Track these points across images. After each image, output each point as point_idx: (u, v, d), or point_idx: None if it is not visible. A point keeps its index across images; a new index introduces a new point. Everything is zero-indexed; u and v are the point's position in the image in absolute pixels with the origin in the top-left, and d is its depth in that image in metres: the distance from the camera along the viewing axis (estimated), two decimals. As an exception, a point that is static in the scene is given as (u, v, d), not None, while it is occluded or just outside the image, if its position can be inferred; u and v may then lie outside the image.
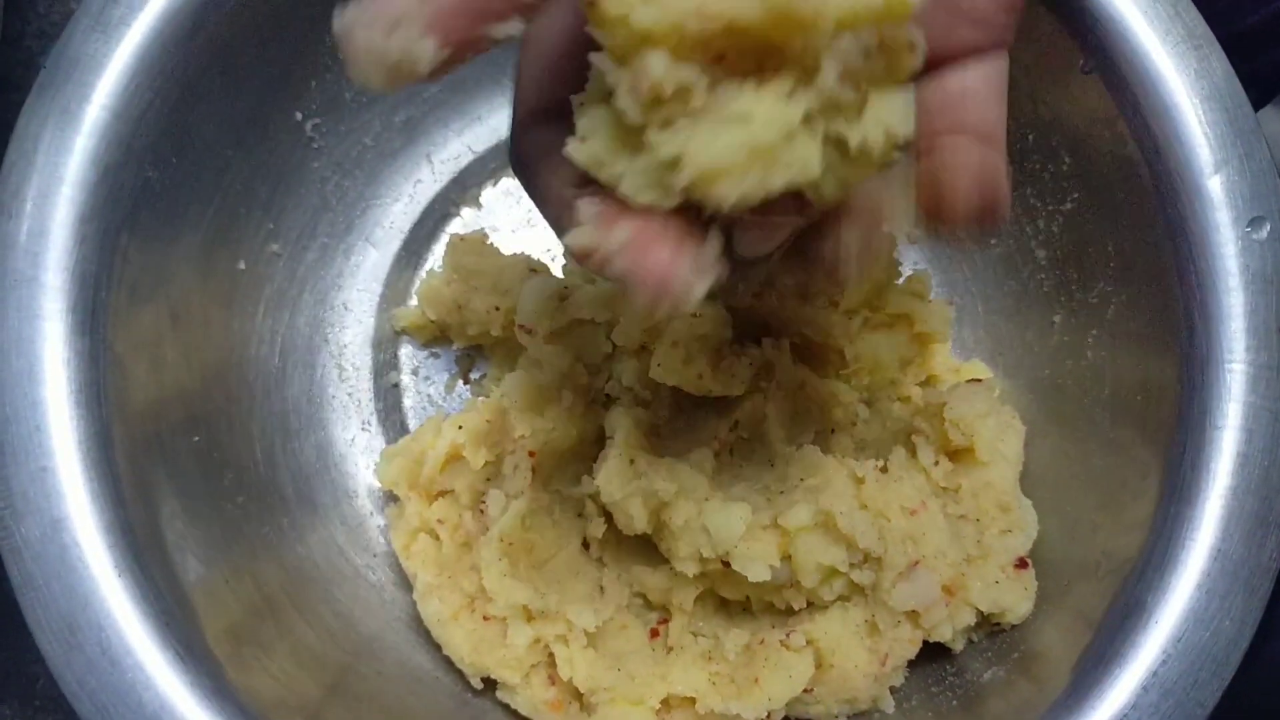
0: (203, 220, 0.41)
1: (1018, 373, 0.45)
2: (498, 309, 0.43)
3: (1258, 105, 0.44)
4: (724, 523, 0.37)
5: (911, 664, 0.40)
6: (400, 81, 0.21)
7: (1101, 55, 0.39)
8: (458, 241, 0.43)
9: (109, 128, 0.37)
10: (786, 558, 0.38)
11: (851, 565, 0.39)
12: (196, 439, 0.39)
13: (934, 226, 0.26)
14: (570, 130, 0.23)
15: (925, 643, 0.40)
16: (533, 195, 0.26)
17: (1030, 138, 0.43)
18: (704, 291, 0.22)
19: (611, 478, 0.39)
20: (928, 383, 0.44)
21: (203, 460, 0.39)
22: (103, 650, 0.33)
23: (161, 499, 0.37)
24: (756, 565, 0.38)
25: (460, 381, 0.47)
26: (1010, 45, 0.28)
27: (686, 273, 0.22)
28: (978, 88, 0.26)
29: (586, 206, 0.23)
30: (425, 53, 0.21)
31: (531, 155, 0.25)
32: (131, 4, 0.37)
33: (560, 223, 0.24)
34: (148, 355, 0.38)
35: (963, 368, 0.43)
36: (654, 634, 0.41)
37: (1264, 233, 0.38)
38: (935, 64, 0.26)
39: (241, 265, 0.43)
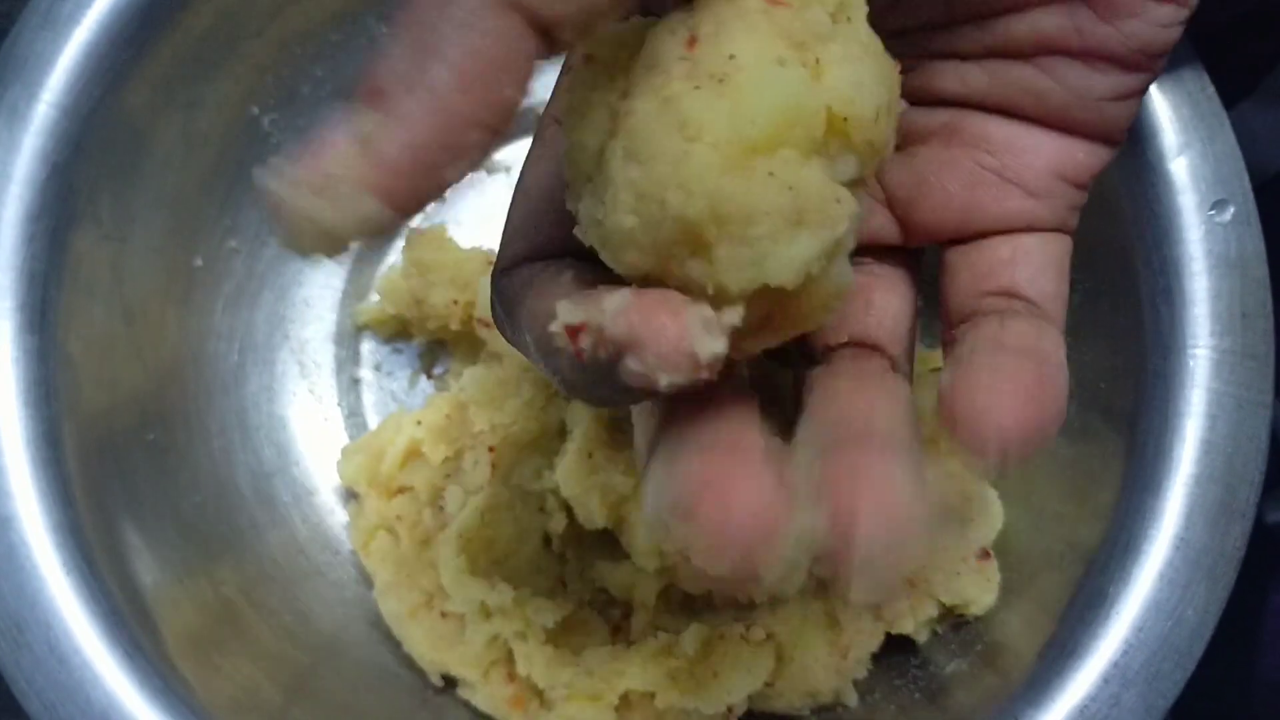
0: (157, 217, 0.41)
1: (985, 361, 0.44)
2: (457, 303, 0.42)
3: (1233, 100, 0.43)
4: (682, 516, 0.37)
5: (876, 656, 0.40)
6: (339, 248, 0.18)
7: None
8: (415, 236, 0.43)
9: (57, 125, 0.36)
10: (746, 551, 0.38)
11: (813, 558, 0.38)
12: (151, 437, 0.39)
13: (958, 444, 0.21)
14: (556, 267, 0.22)
15: (889, 635, 0.39)
16: (514, 329, 0.23)
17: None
18: (721, 351, 0.18)
19: (570, 472, 0.38)
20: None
21: (157, 459, 0.39)
22: (50, 649, 0.33)
23: (114, 498, 0.37)
24: (716, 559, 0.37)
25: (423, 376, 0.46)
26: (1072, 231, 0.25)
27: (698, 328, 0.18)
28: (1031, 253, 0.23)
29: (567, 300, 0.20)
30: (364, 216, 0.17)
31: (515, 289, 0.23)
32: (80, 0, 0.37)
33: (545, 331, 0.20)
34: (100, 353, 0.38)
35: (926, 356, 0.43)
36: (616, 630, 0.41)
37: (1227, 216, 0.37)
38: (979, 235, 0.23)
39: (199, 262, 0.43)
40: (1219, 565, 0.35)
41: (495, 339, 0.41)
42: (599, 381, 0.19)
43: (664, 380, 0.18)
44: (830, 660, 0.38)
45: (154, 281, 0.41)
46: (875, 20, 0.22)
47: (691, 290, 0.19)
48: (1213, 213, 0.37)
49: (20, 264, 0.36)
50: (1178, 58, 0.38)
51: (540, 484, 0.40)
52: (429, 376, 0.46)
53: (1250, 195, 0.37)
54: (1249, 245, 0.37)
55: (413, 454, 0.41)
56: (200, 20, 0.39)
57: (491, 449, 0.41)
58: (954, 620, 0.40)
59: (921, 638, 0.40)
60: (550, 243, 0.23)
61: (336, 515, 0.44)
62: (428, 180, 0.17)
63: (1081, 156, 0.25)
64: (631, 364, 0.18)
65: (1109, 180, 0.39)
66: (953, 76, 0.24)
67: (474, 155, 0.18)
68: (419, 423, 0.41)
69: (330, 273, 0.47)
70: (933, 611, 0.39)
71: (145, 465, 0.39)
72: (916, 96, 0.23)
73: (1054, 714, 0.34)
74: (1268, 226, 0.37)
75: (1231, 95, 0.43)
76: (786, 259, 0.18)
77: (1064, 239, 0.25)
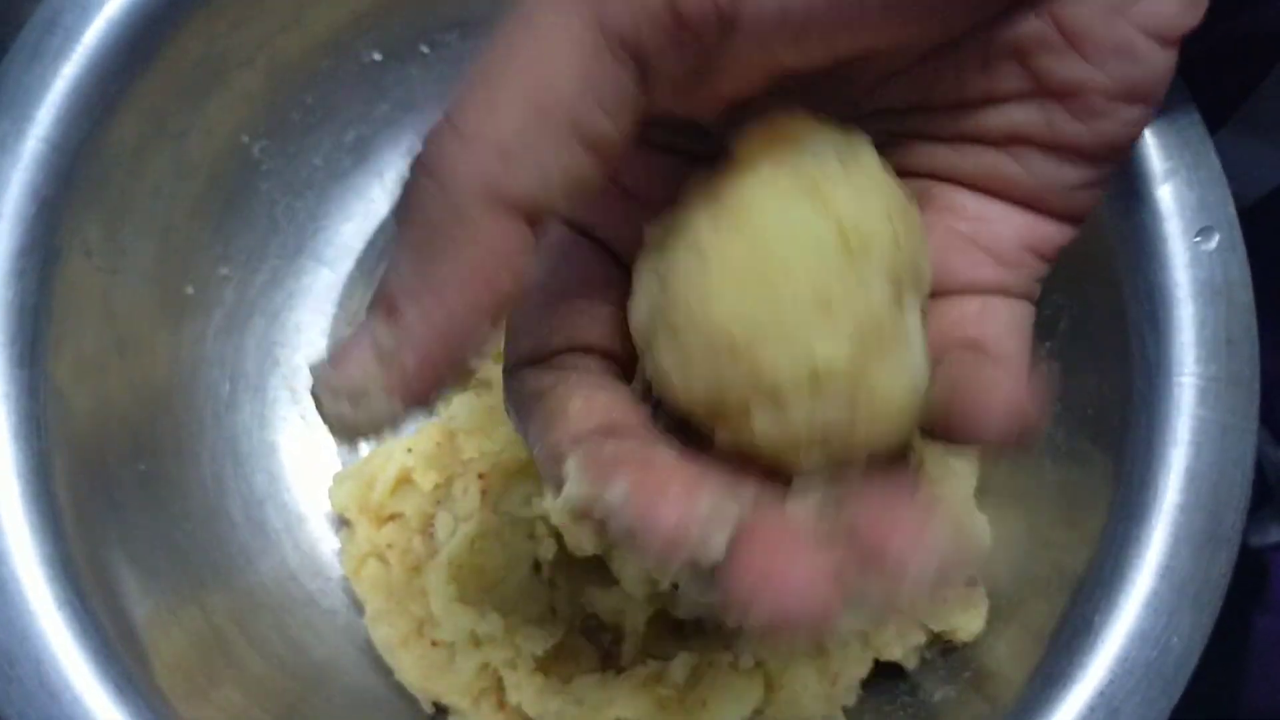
0: (148, 246, 0.41)
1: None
2: (446, 330, 0.42)
3: (1211, 130, 0.43)
4: (670, 544, 0.37)
5: (865, 683, 0.40)
6: (376, 434, 0.20)
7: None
8: (406, 263, 0.43)
9: (46, 160, 0.37)
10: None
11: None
12: (142, 467, 0.39)
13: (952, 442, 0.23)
14: (557, 375, 0.23)
15: (878, 662, 0.39)
16: (525, 436, 0.24)
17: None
18: (726, 539, 0.19)
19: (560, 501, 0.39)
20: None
21: (148, 488, 0.39)
22: (41, 683, 0.33)
23: (105, 529, 0.37)
24: (705, 587, 0.37)
25: (415, 402, 0.47)
26: (1035, 299, 0.25)
27: (704, 517, 0.19)
28: (998, 312, 0.24)
29: (576, 458, 0.21)
30: (394, 414, 0.19)
31: (522, 401, 0.24)
32: (68, 35, 0.37)
33: (551, 475, 0.22)
34: (91, 384, 0.38)
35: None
36: (606, 656, 0.41)
37: (1213, 243, 0.37)
38: (952, 293, 0.24)
39: (190, 290, 0.43)
40: (1204, 593, 0.35)
41: (485, 367, 0.41)
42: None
43: (665, 576, 0.19)
44: (819, 688, 0.38)
45: (145, 311, 0.41)
46: (855, 100, 0.23)
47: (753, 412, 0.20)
48: (1198, 239, 0.37)
49: (10, 298, 0.36)
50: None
51: (530, 511, 0.40)
52: (420, 402, 0.46)
53: (1235, 222, 0.37)
54: (1234, 272, 0.37)
55: (403, 481, 0.42)
56: (189, 50, 0.40)
57: (482, 476, 0.41)
58: (942, 646, 0.40)
59: (910, 664, 0.40)
60: (552, 339, 0.24)
61: (328, 542, 0.44)
62: (442, 376, 0.19)
63: (1049, 232, 0.25)
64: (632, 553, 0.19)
65: (1096, 206, 0.39)
66: (926, 155, 0.25)
67: (481, 344, 0.19)
68: (409, 450, 0.41)
69: (321, 299, 0.47)
70: (921, 638, 0.39)
71: (136, 495, 0.39)
72: (893, 168, 0.23)
73: (1041, 742, 0.34)
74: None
75: (1206, 126, 0.43)
76: (830, 341, 0.20)
77: (1029, 307, 0.25)
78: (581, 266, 0.24)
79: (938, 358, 0.23)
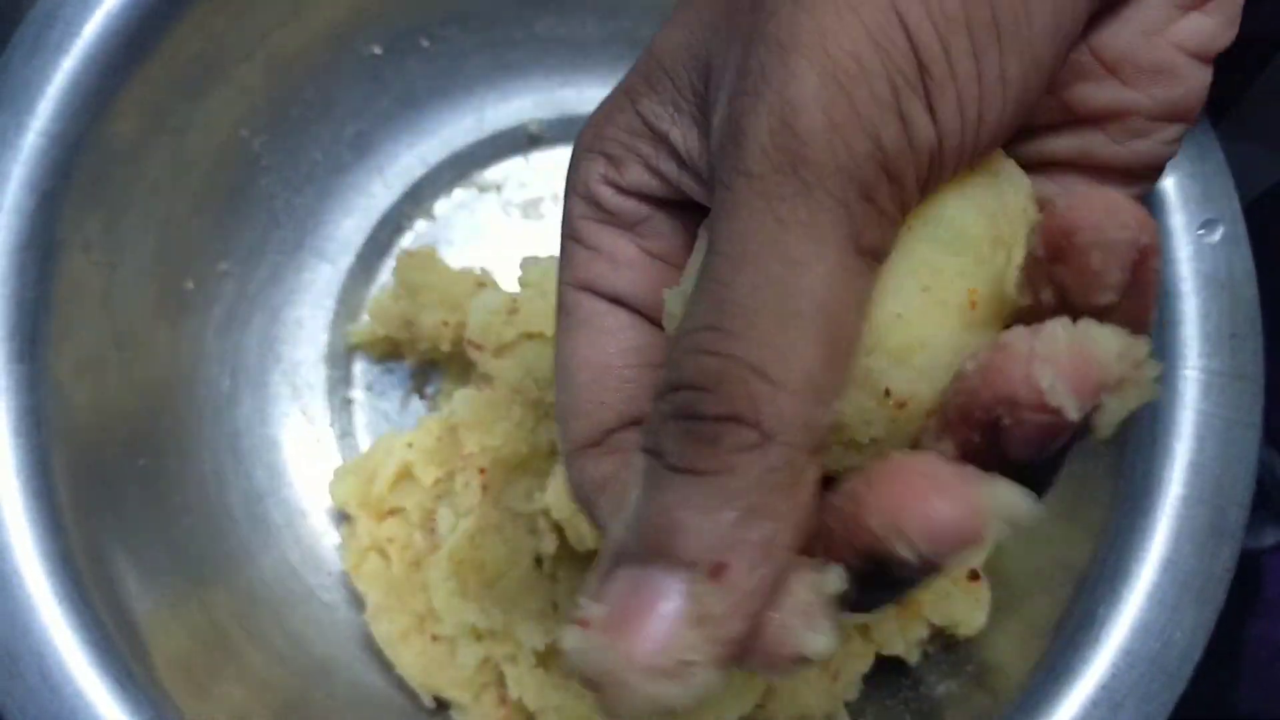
0: (147, 241, 0.41)
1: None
2: (447, 324, 0.42)
3: None
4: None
5: (867, 678, 0.40)
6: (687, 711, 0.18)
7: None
8: (405, 257, 0.43)
9: (46, 154, 0.37)
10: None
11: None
12: (142, 462, 0.39)
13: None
14: (618, 461, 0.22)
15: (880, 656, 0.39)
16: (597, 524, 0.24)
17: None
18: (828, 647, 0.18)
19: (560, 494, 0.38)
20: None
21: (149, 484, 0.39)
22: (43, 678, 0.33)
23: (105, 525, 0.37)
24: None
25: (416, 396, 0.46)
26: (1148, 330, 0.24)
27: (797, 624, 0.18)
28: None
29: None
30: (712, 685, 0.17)
31: (587, 491, 0.23)
32: (67, 28, 0.37)
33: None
34: (91, 379, 0.38)
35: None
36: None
37: (1216, 236, 0.37)
38: None
39: (190, 285, 0.43)
40: (1208, 587, 0.35)
41: (485, 360, 0.41)
42: None
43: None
44: (821, 682, 0.38)
45: (145, 306, 0.41)
46: None
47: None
48: (1202, 232, 0.37)
49: (10, 293, 0.36)
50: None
51: (531, 505, 0.40)
52: (421, 397, 0.46)
53: (1240, 215, 0.37)
54: (1238, 265, 0.37)
55: (404, 476, 0.41)
56: (188, 45, 0.39)
57: (482, 470, 0.41)
58: (945, 641, 0.40)
59: (912, 658, 0.40)
60: (604, 417, 0.23)
61: (328, 537, 0.44)
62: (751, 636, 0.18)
63: None
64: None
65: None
66: None
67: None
68: (410, 444, 0.41)
69: (322, 294, 0.47)
70: (923, 632, 0.39)
71: (136, 491, 0.39)
72: None
73: (1044, 736, 0.34)
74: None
75: None
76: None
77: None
78: (619, 336, 0.24)
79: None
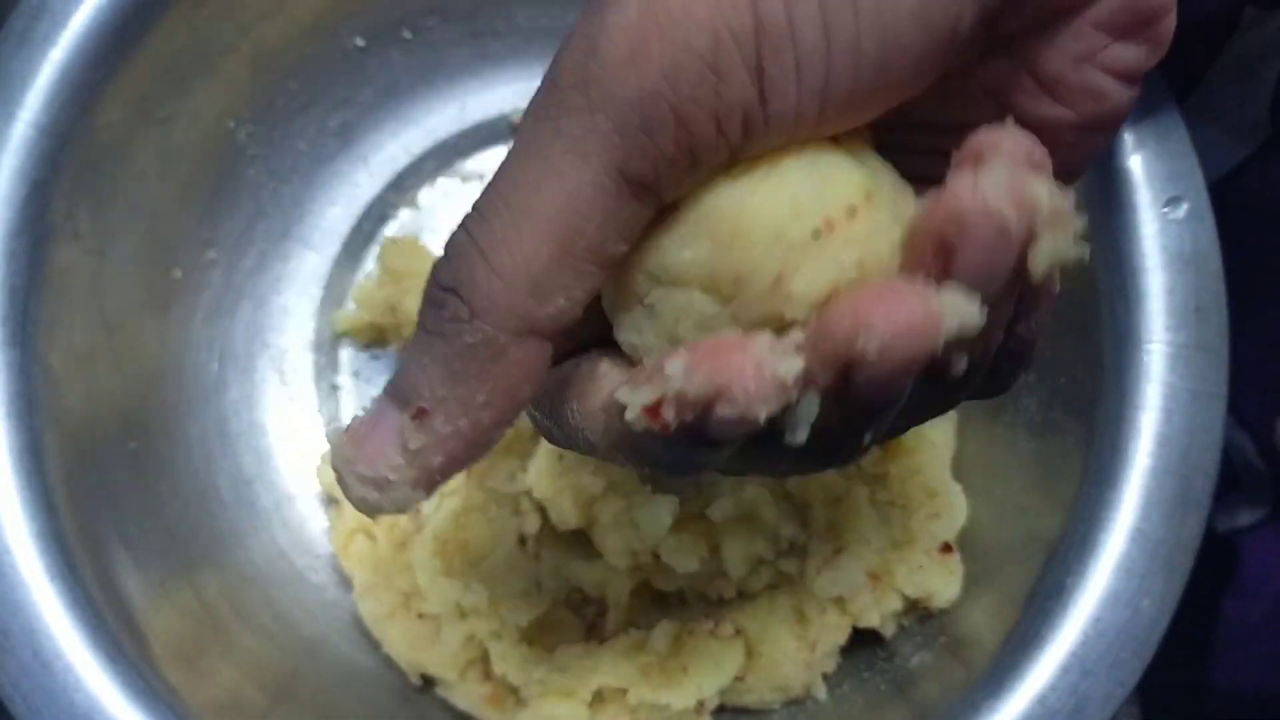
0: (136, 230, 0.41)
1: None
2: (430, 310, 0.43)
3: None
4: (651, 516, 0.38)
5: (844, 650, 0.40)
6: (397, 513, 0.22)
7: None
8: (390, 245, 0.44)
9: (35, 144, 0.37)
10: (715, 549, 0.39)
11: (778, 554, 0.39)
12: (133, 446, 0.40)
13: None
14: (585, 364, 0.23)
15: (856, 629, 0.40)
16: (565, 432, 0.24)
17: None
18: (800, 366, 0.19)
19: (541, 474, 0.39)
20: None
21: (139, 467, 0.40)
22: (35, 654, 0.34)
23: (96, 507, 0.38)
24: (685, 557, 0.38)
25: (402, 382, 0.47)
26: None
27: (771, 354, 0.19)
28: None
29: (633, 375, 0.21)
30: (415, 500, 0.21)
31: (550, 396, 0.24)
32: (55, 20, 0.38)
33: (620, 426, 0.21)
34: (81, 365, 0.39)
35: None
36: (591, 628, 0.42)
37: (1181, 212, 0.38)
38: None
39: (178, 274, 0.43)
40: (1176, 555, 0.36)
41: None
42: (691, 447, 0.20)
43: (762, 413, 0.18)
44: (799, 654, 0.39)
45: (134, 293, 0.42)
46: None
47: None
48: (1167, 209, 0.38)
49: (1, 280, 0.36)
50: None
51: (514, 486, 0.41)
52: (407, 382, 0.47)
53: (1204, 191, 0.38)
54: (1203, 240, 0.38)
55: (390, 458, 0.42)
56: (174, 37, 0.40)
57: (466, 452, 0.41)
58: (919, 613, 0.41)
59: (888, 631, 0.40)
60: (565, 343, 0.24)
61: (317, 520, 0.45)
62: (457, 470, 0.21)
63: None
64: (723, 412, 0.18)
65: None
66: (902, 163, 0.24)
67: (494, 445, 0.21)
68: (395, 427, 0.42)
69: (308, 281, 0.47)
70: (897, 605, 0.39)
71: (127, 474, 0.39)
72: None
73: (1015, 703, 0.35)
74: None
75: None
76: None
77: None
78: None
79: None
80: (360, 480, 0.21)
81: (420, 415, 0.20)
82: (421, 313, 0.21)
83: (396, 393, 0.21)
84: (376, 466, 0.21)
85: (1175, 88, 0.38)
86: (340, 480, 0.21)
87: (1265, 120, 0.40)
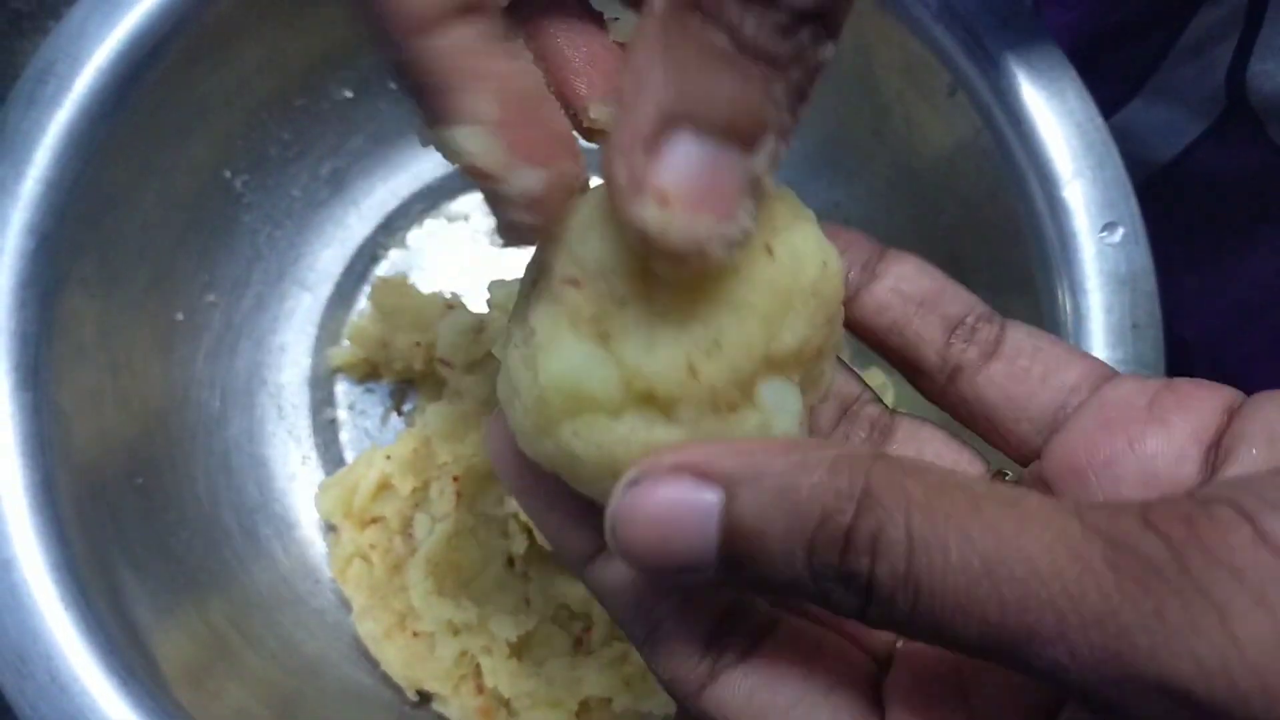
0: (139, 277, 0.44)
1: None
2: (419, 345, 0.46)
3: (1124, 99, 0.47)
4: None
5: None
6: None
7: (964, 78, 0.42)
8: (380, 284, 0.46)
9: (43, 199, 0.40)
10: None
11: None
12: (140, 481, 0.42)
13: None
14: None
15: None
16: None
17: (909, 161, 0.46)
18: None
19: (528, 497, 0.41)
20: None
21: (146, 500, 0.42)
22: (52, 678, 0.36)
23: (107, 539, 0.40)
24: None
25: (394, 413, 0.50)
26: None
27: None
28: None
29: None
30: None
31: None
32: (61, 83, 0.40)
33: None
34: (90, 405, 0.41)
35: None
36: (579, 643, 0.44)
37: (1117, 236, 0.41)
38: None
39: (180, 316, 0.46)
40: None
41: (456, 378, 0.44)
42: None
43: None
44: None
45: (138, 336, 0.44)
46: None
47: None
48: (1104, 234, 0.41)
49: (14, 328, 0.39)
50: (1065, 89, 0.41)
51: (502, 509, 0.43)
52: (399, 413, 0.50)
53: (1138, 215, 0.41)
54: (1138, 262, 0.40)
55: (384, 486, 0.45)
56: (173, 94, 0.43)
57: (456, 479, 0.44)
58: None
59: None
60: None
61: (316, 546, 0.47)
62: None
63: None
64: None
65: (1010, 207, 0.42)
66: None
67: None
68: (388, 457, 0.44)
69: (304, 320, 0.50)
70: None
71: (135, 507, 0.42)
72: None
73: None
74: (1159, 212, 0.39)
75: (1121, 95, 0.46)
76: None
77: None
78: None
79: None
80: (724, 243, 0.18)
81: (754, 144, 0.18)
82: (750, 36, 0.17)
83: (733, 135, 0.18)
84: (739, 219, 0.18)
85: (1140, 70, 0.40)
86: (694, 255, 0.18)
87: (1220, 96, 0.42)
